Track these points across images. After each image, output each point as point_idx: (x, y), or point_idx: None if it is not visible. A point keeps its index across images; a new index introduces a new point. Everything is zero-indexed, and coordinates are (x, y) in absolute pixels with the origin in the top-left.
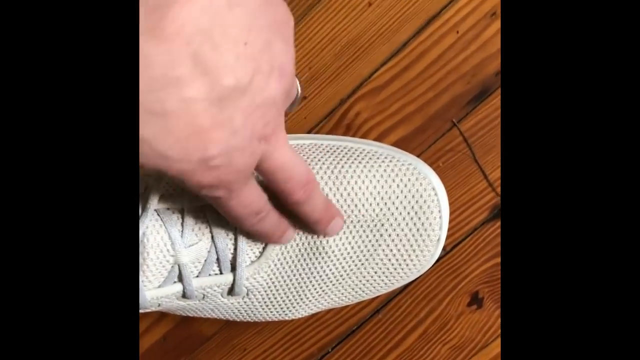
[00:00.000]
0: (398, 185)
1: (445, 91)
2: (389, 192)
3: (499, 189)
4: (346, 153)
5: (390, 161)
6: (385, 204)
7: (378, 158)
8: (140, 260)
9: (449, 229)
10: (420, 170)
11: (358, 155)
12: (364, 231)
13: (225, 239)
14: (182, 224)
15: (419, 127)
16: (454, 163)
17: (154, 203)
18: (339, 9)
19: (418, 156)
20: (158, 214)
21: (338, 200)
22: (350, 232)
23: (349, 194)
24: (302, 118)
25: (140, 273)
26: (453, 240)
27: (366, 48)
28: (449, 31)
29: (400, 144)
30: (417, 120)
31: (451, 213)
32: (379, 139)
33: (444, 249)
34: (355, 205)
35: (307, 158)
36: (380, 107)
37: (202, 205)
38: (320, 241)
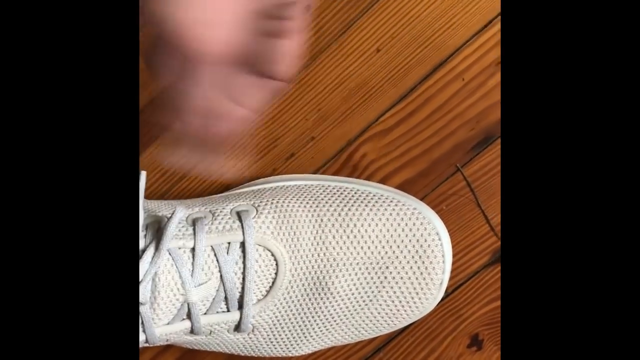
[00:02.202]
0: (403, 230)
1: (450, 136)
2: (394, 236)
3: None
4: (352, 195)
5: (396, 205)
6: (390, 247)
7: (384, 202)
8: (152, 299)
9: (450, 272)
10: (425, 214)
11: (364, 199)
12: (369, 273)
13: (233, 278)
14: (192, 264)
15: (424, 171)
16: (457, 207)
17: (167, 243)
18: (348, 53)
19: (422, 199)
20: (170, 254)
21: (345, 242)
22: (356, 273)
23: (355, 237)
24: (310, 158)
25: (151, 311)
26: (454, 283)
27: (374, 92)
28: (455, 78)
29: (405, 186)
30: (421, 164)
31: (453, 256)
32: (384, 180)
33: (445, 291)
34: (362, 248)
35: (315, 199)
36: (386, 150)
37: (212, 245)
38: (326, 282)
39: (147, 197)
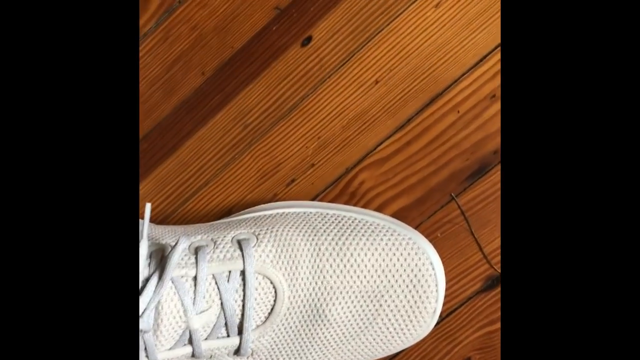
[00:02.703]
0: (398, 259)
1: (446, 166)
2: (389, 266)
3: (493, 261)
4: (350, 224)
5: (392, 235)
6: (386, 276)
7: (380, 231)
8: (155, 326)
9: (444, 296)
10: (420, 245)
11: (361, 228)
12: (365, 301)
13: (233, 306)
14: (194, 292)
15: (420, 199)
16: (452, 234)
17: (170, 273)
18: (348, 84)
19: (418, 226)
20: (172, 282)
21: (342, 271)
22: (352, 301)
23: (351, 266)
24: (310, 184)
25: (154, 337)
26: (448, 308)
27: (372, 122)
28: (451, 110)
29: (401, 213)
30: (417, 192)
31: (447, 282)
32: (381, 208)
33: (439, 315)
34: (357, 277)
35: (314, 227)
36: (384, 178)
37: (214, 274)
38: (323, 309)
39: (151, 220)
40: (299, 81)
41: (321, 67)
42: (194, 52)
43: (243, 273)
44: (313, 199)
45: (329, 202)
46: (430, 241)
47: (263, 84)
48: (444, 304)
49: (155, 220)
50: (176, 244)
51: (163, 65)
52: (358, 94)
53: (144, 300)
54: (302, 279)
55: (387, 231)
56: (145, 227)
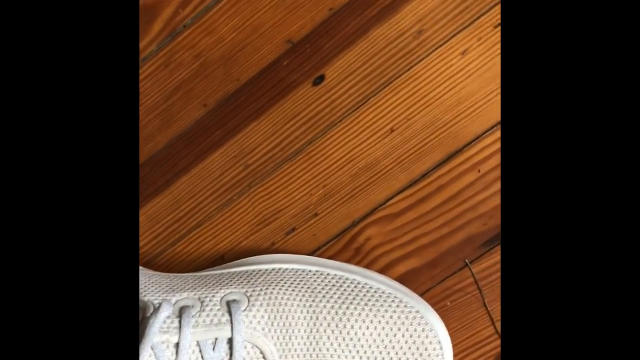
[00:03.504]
0: (403, 335)
1: (461, 229)
2: (393, 341)
3: None
4: (352, 290)
5: (397, 306)
6: (388, 353)
7: (385, 300)
8: None
9: None
10: (427, 319)
11: (364, 295)
12: None
13: None
14: None
15: (430, 262)
16: (462, 304)
17: (150, 341)
18: (360, 131)
19: (426, 291)
20: (152, 349)
21: (340, 345)
22: None
23: (351, 339)
24: (311, 235)
25: None
26: None
27: (384, 173)
28: (470, 169)
29: (409, 276)
30: (428, 255)
31: (454, 356)
32: (387, 268)
33: None
34: (357, 352)
35: (312, 290)
36: (392, 236)
37: (198, 340)
38: None
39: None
40: (307, 122)
41: (332, 109)
42: (196, 82)
43: (231, 341)
44: (313, 252)
45: (331, 256)
46: (439, 310)
47: (268, 122)
48: None
49: (140, 261)
50: (159, 307)
51: (162, 93)
52: (370, 142)
53: None
54: (295, 350)
55: (392, 301)
56: None
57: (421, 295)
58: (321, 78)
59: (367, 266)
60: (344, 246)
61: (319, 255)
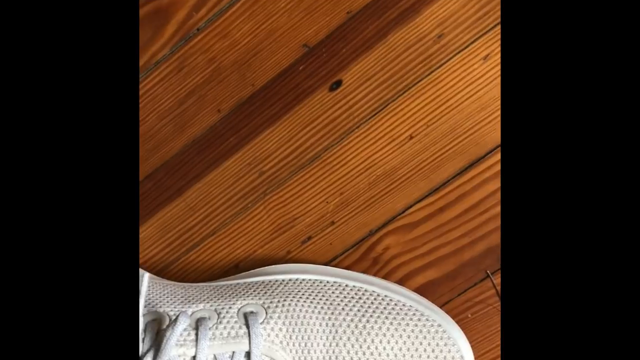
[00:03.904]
0: (425, 350)
1: (482, 239)
2: (415, 356)
3: None
4: (372, 302)
5: (419, 320)
6: None
7: (406, 314)
8: None
9: None
10: (450, 333)
11: (384, 308)
12: None
13: None
14: None
15: (450, 273)
16: (483, 316)
17: (168, 352)
18: (378, 137)
19: (446, 303)
20: None
21: (360, 359)
22: None
23: (372, 354)
24: (328, 244)
25: None
26: None
27: (403, 181)
28: (493, 177)
29: (428, 287)
30: (448, 265)
31: None
32: (405, 279)
33: None
34: None
35: (331, 303)
36: (411, 245)
37: (215, 354)
38: None
39: (149, 269)
40: (323, 129)
41: (350, 115)
42: (210, 87)
43: (248, 355)
44: (330, 262)
45: (348, 266)
46: (459, 322)
47: (284, 128)
48: None
49: (153, 269)
50: (176, 319)
51: (175, 98)
52: (389, 149)
53: None
54: None
55: (413, 314)
56: (142, 301)
57: (441, 307)
58: (338, 83)
59: (385, 277)
60: (361, 256)
61: (336, 265)
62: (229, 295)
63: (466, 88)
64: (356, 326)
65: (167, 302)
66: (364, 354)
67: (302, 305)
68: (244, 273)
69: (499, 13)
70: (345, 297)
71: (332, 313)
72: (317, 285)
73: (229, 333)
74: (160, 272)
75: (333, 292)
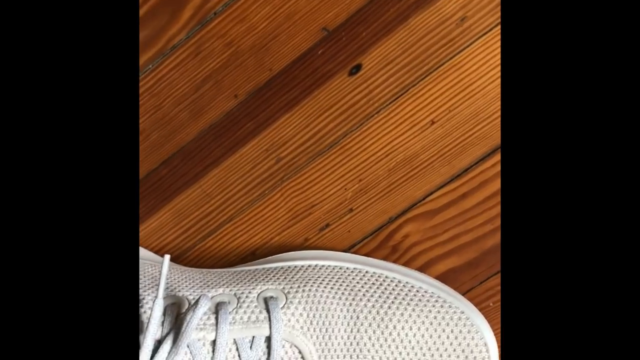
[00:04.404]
0: (448, 337)
1: None
2: (437, 343)
3: None
4: (393, 288)
5: (441, 306)
6: (432, 355)
7: (428, 300)
8: None
9: None
10: (473, 321)
11: (406, 294)
12: None
13: None
14: (212, 358)
15: (472, 261)
16: None
17: (187, 338)
18: (399, 122)
19: (467, 291)
20: (188, 347)
21: (382, 346)
22: None
23: (393, 340)
24: (346, 231)
25: None
26: None
27: (424, 167)
28: None
29: (449, 275)
30: (470, 253)
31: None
32: (426, 267)
33: None
34: (400, 353)
35: (351, 290)
36: (432, 233)
37: (235, 339)
38: None
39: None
40: (343, 114)
41: (369, 100)
42: (227, 72)
43: (269, 339)
44: (348, 249)
45: (367, 254)
46: (481, 311)
47: (302, 114)
48: None
49: (170, 256)
50: (196, 302)
51: (192, 83)
52: (409, 135)
53: None
54: (335, 350)
55: (436, 301)
56: (162, 283)
57: (462, 295)
58: (358, 68)
59: (405, 265)
60: (380, 244)
61: (354, 253)
62: (249, 280)
63: (489, 72)
64: (377, 312)
65: (186, 286)
66: (385, 340)
67: (323, 291)
68: (262, 259)
69: None
70: (365, 283)
71: (353, 299)
72: (337, 272)
73: (249, 317)
74: (177, 259)
75: (354, 279)
